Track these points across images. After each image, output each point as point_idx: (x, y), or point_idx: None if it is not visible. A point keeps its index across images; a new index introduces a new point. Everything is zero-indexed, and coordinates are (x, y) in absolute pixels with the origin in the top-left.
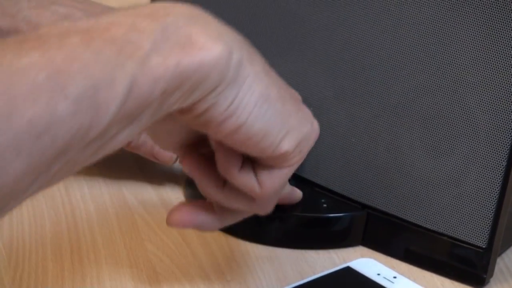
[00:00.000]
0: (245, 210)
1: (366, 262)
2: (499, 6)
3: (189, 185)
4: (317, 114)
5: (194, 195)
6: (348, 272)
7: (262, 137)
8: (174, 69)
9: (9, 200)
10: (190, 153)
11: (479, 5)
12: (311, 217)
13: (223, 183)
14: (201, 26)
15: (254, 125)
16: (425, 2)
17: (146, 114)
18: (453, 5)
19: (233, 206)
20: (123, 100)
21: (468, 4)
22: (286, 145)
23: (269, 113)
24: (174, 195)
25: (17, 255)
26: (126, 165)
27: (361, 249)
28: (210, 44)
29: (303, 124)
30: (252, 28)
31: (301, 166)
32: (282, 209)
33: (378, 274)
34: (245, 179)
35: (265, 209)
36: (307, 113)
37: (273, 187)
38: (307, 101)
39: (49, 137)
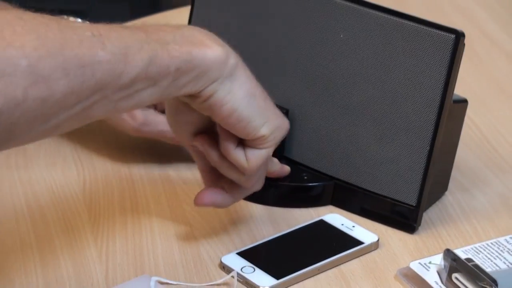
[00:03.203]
0: (239, 181)
1: (333, 216)
2: (421, 48)
3: None
4: (297, 114)
5: None
6: (321, 223)
7: (248, 122)
8: (186, 55)
9: (57, 111)
10: (202, 135)
11: (407, 49)
12: (296, 185)
13: (223, 158)
14: (209, 36)
15: (243, 112)
16: (373, 40)
17: (164, 82)
18: (391, 44)
19: (230, 176)
20: (147, 64)
21: (400, 44)
22: (264, 130)
23: (254, 105)
24: None
25: (95, 211)
26: (168, 151)
27: (330, 207)
28: (214, 45)
29: (277, 118)
30: (244, 50)
31: (290, 151)
32: (276, 180)
33: (342, 225)
34: (238, 155)
35: (255, 182)
36: (279, 112)
37: (256, 163)
38: (290, 105)
39: (90, 70)
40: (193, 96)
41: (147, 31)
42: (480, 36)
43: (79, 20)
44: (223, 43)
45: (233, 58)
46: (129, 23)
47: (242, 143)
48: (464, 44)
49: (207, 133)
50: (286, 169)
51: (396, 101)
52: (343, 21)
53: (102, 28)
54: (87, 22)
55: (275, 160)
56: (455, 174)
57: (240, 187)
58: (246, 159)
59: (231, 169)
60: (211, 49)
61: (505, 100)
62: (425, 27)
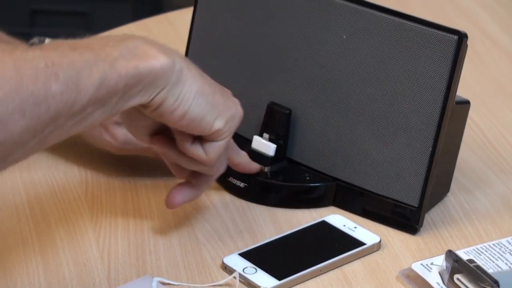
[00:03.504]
0: (202, 171)
1: (335, 217)
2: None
3: None
4: (299, 115)
5: None
6: (323, 224)
7: (200, 120)
8: (133, 70)
9: (14, 150)
10: (157, 136)
11: (410, 50)
12: (299, 186)
13: (182, 154)
14: (153, 45)
15: (193, 112)
16: (375, 41)
17: (113, 100)
18: (394, 45)
19: (193, 168)
20: (97, 87)
21: (402, 45)
22: (218, 125)
23: (204, 103)
24: None
25: (97, 212)
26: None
27: (332, 208)
28: (159, 55)
29: (229, 109)
30: (246, 50)
31: (292, 152)
32: (278, 181)
33: (344, 225)
34: (195, 150)
35: (218, 168)
36: (233, 101)
37: (215, 154)
38: (292, 105)
39: (45, 106)
40: (143, 106)
41: (94, 49)
42: (482, 37)
43: (35, 39)
44: (166, 50)
45: (179, 63)
46: (131, 24)
47: (198, 137)
48: (466, 45)
49: (163, 132)
50: (254, 166)
51: (398, 102)
52: (346, 22)
53: (55, 56)
54: (40, 41)
55: (243, 153)
56: (457, 175)
57: (205, 175)
58: (205, 152)
59: (191, 162)
60: (156, 59)
61: (507, 101)
62: (428, 28)
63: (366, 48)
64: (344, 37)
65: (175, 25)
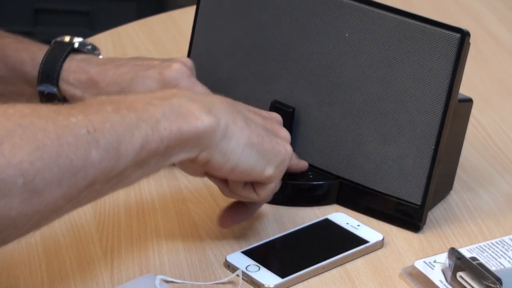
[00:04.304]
0: (256, 201)
1: (338, 215)
2: (426, 47)
3: None
4: (302, 113)
5: None
6: (326, 222)
7: (250, 171)
8: (176, 132)
9: (50, 214)
10: (210, 176)
11: (413, 48)
12: (302, 184)
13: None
14: (198, 103)
15: (243, 165)
16: (378, 39)
17: (153, 162)
18: (396, 43)
19: (246, 200)
20: (138, 152)
21: (405, 43)
22: (268, 172)
23: (252, 155)
24: None
25: (100, 209)
26: None
27: (335, 207)
28: (203, 116)
29: (278, 154)
30: (250, 49)
31: (295, 150)
32: (282, 179)
33: (347, 223)
34: (247, 193)
35: (266, 200)
36: (281, 142)
37: (267, 195)
38: (296, 104)
39: (82, 175)
40: (191, 160)
41: (138, 110)
42: (485, 36)
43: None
44: (211, 106)
45: (224, 120)
46: (134, 23)
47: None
48: (469, 43)
49: None
50: (303, 164)
51: (401, 100)
52: (349, 20)
53: (97, 120)
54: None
55: (294, 155)
56: (460, 173)
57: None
58: (256, 194)
59: (244, 198)
60: (200, 120)
61: (510, 100)
62: (430, 26)
63: (369, 47)
64: (346, 35)
65: (178, 24)
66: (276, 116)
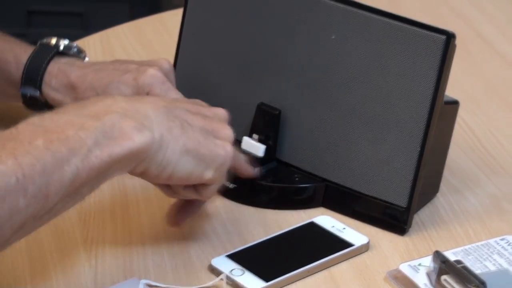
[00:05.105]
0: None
1: (324, 218)
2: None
3: None
4: (289, 115)
5: None
6: (311, 225)
7: (188, 177)
8: (108, 158)
9: None
10: None
11: (399, 50)
12: (288, 187)
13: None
14: (131, 119)
15: (180, 172)
16: (365, 41)
17: (84, 190)
18: (383, 45)
19: (188, 198)
20: (67, 187)
21: (391, 45)
22: (208, 175)
23: (189, 161)
24: None
25: (85, 213)
26: None
27: (321, 210)
28: (135, 135)
29: (217, 158)
30: (237, 50)
31: (281, 152)
32: (267, 182)
33: (333, 227)
34: (189, 194)
35: (210, 198)
36: (220, 144)
37: (209, 195)
38: (283, 106)
39: (9, 225)
40: (129, 172)
41: (69, 139)
42: (475, 38)
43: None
44: (144, 120)
45: (158, 131)
46: (124, 25)
47: None
48: (455, 45)
49: None
50: (250, 171)
51: (388, 102)
52: (335, 22)
53: (27, 163)
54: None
55: (242, 156)
56: (447, 175)
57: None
58: (199, 194)
59: (188, 198)
60: (132, 140)
61: (498, 101)
62: (416, 28)
63: (355, 49)
64: (333, 37)
65: (168, 26)
66: (221, 113)
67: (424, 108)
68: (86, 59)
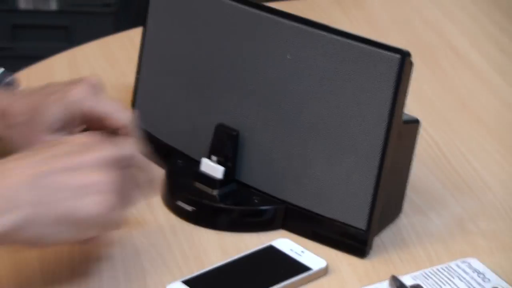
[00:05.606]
0: None
1: (282, 241)
2: (367, 68)
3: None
4: (247, 136)
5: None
6: (270, 249)
7: (68, 241)
8: None
9: None
10: None
11: (353, 69)
12: (247, 209)
13: None
14: None
15: (57, 240)
16: (320, 60)
17: None
18: (338, 64)
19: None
20: None
21: (346, 64)
22: (88, 234)
23: (63, 230)
24: None
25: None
26: None
27: (281, 232)
28: None
29: (91, 217)
30: (196, 70)
31: (240, 174)
32: (228, 204)
33: (291, 250)
34: (83, 243)
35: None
36: (96, 200)
37: (100, 243)
38: (241, 127)
39: None
40: None
41: None
42: (447, 51)
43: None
44: (9, 201)
45: (23, 211)
46: (94, 42)
47: None
48: (411, 63)
49: None
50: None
51: (344, 122)
52: (290, 42)
53: None
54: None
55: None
56: (411, 194)
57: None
58: (89, 244)
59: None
60: None
61: (467, 116)
62: (369, 47)
63: (310, 68)
64: (288, 57)
65: (135, 43)
66: (101, 156)
67: (379, 128)
68: (19, 88)
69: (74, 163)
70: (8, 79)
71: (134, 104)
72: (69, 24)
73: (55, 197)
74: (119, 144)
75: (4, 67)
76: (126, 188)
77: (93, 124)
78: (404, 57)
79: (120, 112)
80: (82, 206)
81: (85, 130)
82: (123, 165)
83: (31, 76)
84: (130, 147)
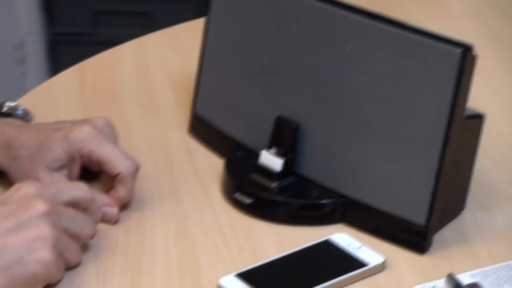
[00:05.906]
0: None
1: (340, 236)
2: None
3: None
4: (307, 129)
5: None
6: (326, 244)
7: None
8: None
9: None
10: None
11: (413, 63)
12: (306, 203)
13: None
14: None
15: None
16: (380, 54)
17: None
18: (398, 58)
19: None
20: None
21: (406, 58)
22: None
23: None
24: None
25: (96, 235)
26: (180, 168)
27: (341, 226)
28: None
29: (36, 277)
30: (257, 62)
31: (300, 166)
32: (286, 197)
33: (349, 245)
34: None
35: None
36: (36, 258)
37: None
38: (301, 119)
39: None
40: None
41: None
42: None
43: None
44: None
45: None
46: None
47: None
48: (474, 57)
49: None
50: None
51: (403, 117)
52: (349, 34)
53: None
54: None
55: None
56: (476, 190)
57: None
58: None
59: None
60: None
61: None
62: (430, 41)
63: (371, 61)
64: (347, 50)
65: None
66: (36, 214)
67: (440, 125)
68: (34, 121)
69: (16, 222)
70: (20, 111)
71: (196, 94)
72: (150, 10)
73: (5, 262)
74: (65, 187)
75: (85, 53)
76: (68, 237)
77: (92, 166)
78: (466, 51)
79: (119, 159)
80: (24, 268)
81: (84, 170)
82: (63, 213)
83: (98, 64)
84: (76, 189)
